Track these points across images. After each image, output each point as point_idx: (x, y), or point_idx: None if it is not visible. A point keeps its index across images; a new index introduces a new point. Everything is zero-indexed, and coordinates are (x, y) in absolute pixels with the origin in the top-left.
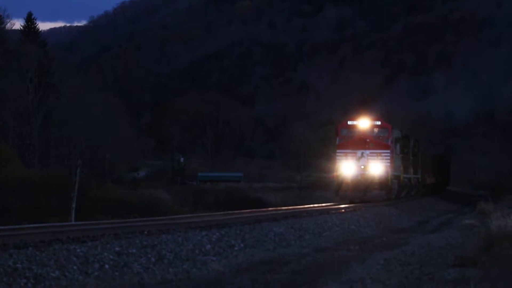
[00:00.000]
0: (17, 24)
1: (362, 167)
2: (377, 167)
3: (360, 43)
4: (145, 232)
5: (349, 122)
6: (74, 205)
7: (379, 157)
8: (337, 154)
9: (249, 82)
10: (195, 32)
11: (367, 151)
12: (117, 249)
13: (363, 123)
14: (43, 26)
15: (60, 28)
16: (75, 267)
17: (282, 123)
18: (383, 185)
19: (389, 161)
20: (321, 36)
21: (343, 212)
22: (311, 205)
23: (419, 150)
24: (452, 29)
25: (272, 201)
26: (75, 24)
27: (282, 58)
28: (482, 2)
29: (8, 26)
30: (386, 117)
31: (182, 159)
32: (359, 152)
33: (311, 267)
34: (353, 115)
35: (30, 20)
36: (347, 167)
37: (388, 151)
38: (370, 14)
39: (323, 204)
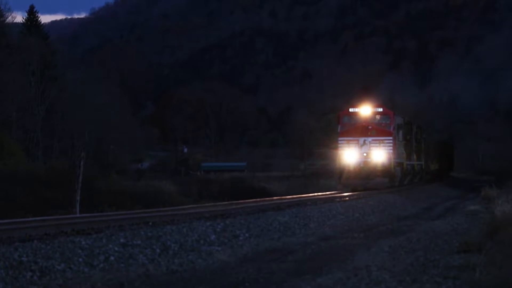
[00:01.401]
0: (18, 17)
1: (365, 154)
2: (379, 154)
3: (362, 30)
4: (150, 223)
5: (351, 110)
6: (78, 197)
7: (382, 144)
8: (339, 142)
9: (251, 72)
10: (196, 22)
11: (369, 138)
12: (122, 240)
13: (365, 110)
14: (44, 18)
15: (61, 20)
16: (80, 260)
17: (285, 111)
18: (386, 172)
19: (391, 148)
20: (323, 24)
21: (347, 200)
22: (315, 194)
23: (422, 137)
24: (454, 14)
25: (276, 190)
26: (76, 16)
27: (284, 46)
28: None
29: (9, 19)
30: (389, 104)
31: (185, 150)
32: (361, 140)
33: (316, 256)
34: (355, 102)
35: (32, 13)
36: (349, 155)
37: (391, 138)
38: (372, 1)
39: (327, 193)
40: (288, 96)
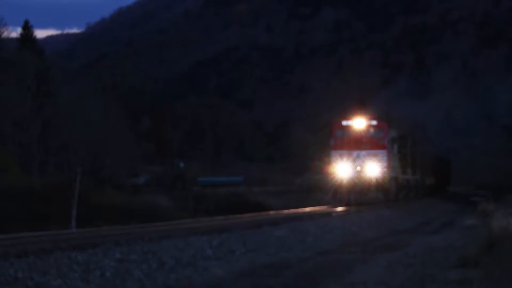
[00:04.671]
0: (13, 33)
1: (358, 168)
2: (373, 168)
3: (358, 45)
4: (146, 238)
5: (344, 123)
6: (74, 213)
7: (376, 158)
8: (332, 155)
9: (247, 86)
10: (192, 36)
11: (363, 152)
12: (118, 256)
13: (358, 123)
14: (40, 33)
15: (57, 35)
16: (76, 275)
17: (281, 126)
18: (380, 186)
19: (385, 161)
20: (319, 38)
21: (344, 215)
22: (312, 208)
23: (418, 150)
24: (450, 28)
25: (272, 204)
26: (71, 31)
27: (280, 61)
28: (479, 1)
29: (5, 34)
30: (385, 118)
31: (181, 164)
32: (354, 153)
33: (313, 271)
34: (348, 115)
35: (27, 28)
36: (342, 169)
37: (385, 151)
38: (368, 15)
39: (324, 207)
40: (285, 111)
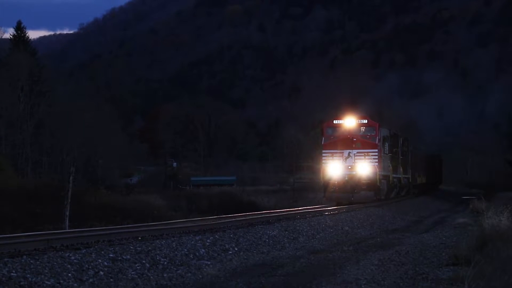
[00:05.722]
0: (6, 34)
1: (349, 167)
2: (364, 167)
3: (350, 44)
4: (139, 238)
5: (335, 121)
6: (67, 213)
7: (367, 157)
8: (323, 154)
9: (240, 86)
10: (185, 36)
11: (354, 151)
12: (111, 255)
13: (349, 122)
14: (33, 34)
15: (50, 36)
16: (69, 275)
17: (274, 125)
18: (371, 185)
19: (377, 160)
20: (311, 38)
21: (336, 214)
22: (304, 207)
23: (409, 149)
24: (441, 28)
25: (265, 204)
26: (64, 32)
27: (273, 60)
28: (470, 1)
29: None
30: (377, 116)
31: (174, 164)
32: (345, 152)
33: (305, 269)
34: (339, 114)
35: (19, 29)
36: (333, 168)
37: (376, 150)
38: (359, 15)
39: (316, 206)
40: (277, 110)
